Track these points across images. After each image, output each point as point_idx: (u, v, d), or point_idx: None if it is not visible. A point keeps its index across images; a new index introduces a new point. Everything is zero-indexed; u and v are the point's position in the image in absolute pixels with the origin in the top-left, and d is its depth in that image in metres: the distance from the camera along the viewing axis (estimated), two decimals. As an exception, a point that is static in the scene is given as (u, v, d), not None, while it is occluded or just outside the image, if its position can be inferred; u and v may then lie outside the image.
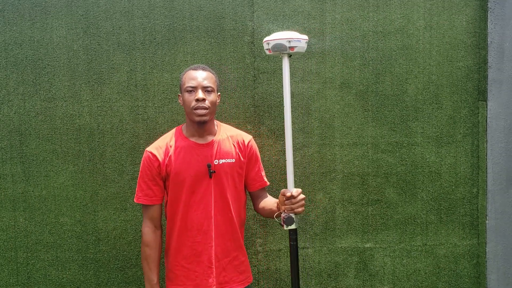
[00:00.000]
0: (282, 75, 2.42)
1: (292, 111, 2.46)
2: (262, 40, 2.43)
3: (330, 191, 2.50)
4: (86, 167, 2.43)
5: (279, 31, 2.43)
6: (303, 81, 2.46)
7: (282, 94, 1.94)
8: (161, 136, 2.35)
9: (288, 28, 2.43)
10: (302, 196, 1.82)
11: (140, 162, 2.41)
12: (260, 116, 2.46)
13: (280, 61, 2.44)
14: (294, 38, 1.81)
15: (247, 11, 2.43)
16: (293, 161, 2.46)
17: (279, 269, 2.51)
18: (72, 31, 2.39)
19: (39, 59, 2.40)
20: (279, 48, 1.82)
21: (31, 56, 2.39)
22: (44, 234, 2.44)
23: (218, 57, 2.43)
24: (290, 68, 2.44)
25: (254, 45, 2.44)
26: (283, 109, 2.44)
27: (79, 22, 2.39)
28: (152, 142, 2.40)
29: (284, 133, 2.47)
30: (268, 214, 2.02)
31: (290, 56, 1.87)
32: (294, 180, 2.45)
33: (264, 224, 2.48)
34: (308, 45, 2.35)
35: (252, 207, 2.18)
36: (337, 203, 2.51)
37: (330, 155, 2.49)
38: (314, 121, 2.47)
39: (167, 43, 2.41)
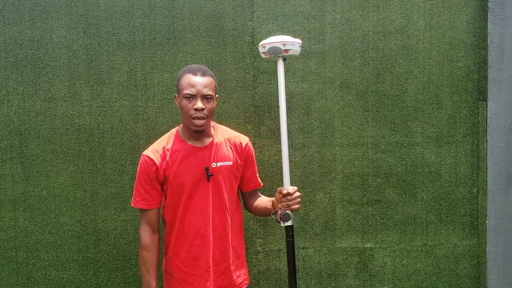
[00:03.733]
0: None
1: (292, 111, 2.47)
2: (262, 40, 2.43)
3: (330, 191, 2.50)
4: (86, 167, 2.43)
5: (279, 31, 2.44)
6: (303, 81, 2.46)
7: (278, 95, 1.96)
8: (160, 136, 2.36)
9: (288, 29, 2.43)
10: (298, 193, 1.85)
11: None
12: (260, 116, 2.46)
13: (280, 61, 2.45)
14: (289, 42, 1.87)
15: (247, 11, 2.43)
16: (294, 161, 2.48)
17: (279, 269, 2.51)
18: (72, 31, 2.39)
19: (39, 59, 2.40)
20: (275, 51, 1.88)
21: (31, 56, 2.39)
22: (44, 234, 2.44)
23: (218, 57, 2.43)
24: (291, 68, 2.46)
25: (254, 45, 2.44)
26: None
27: (79, 22, 2.39)
28: (152, 143, 2.41)
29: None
30: (261, 212, 2.03)
31: (284, 59, 1.92)
32: (295, 180, 2.47)
33: (264, 224, 2.48)
34: (308, 46, 2.41)
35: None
36: (337, 203, 2.51)
37: (330, 155, 2.49)
38: (314, 121, 2.47)
39: (167, 43, 2.41)
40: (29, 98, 2.40)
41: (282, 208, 1.85)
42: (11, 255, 2.45)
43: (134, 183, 2.42)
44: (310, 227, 2.50)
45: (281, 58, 1.91)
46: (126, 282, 2.46)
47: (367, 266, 2.54)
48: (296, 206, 1.84)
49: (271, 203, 1.96)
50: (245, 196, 2.12)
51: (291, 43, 1.88)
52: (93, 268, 2.46)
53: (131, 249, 2.45)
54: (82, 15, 2.39)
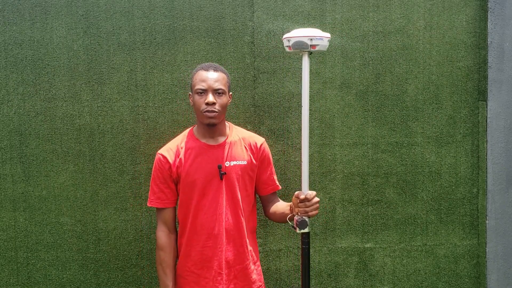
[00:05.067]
0: (283, 74, 2.46)
1: (292, 111, 2.47)
2: (262, 40, 2.44)
3: (330, 191, 2.50)
4: (86, 167, 2.43)
5: (279, 31, 2.44)
6: (303, 81, 2.45)
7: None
8: (162, 136, 2.37)
9: (287, 28, 2.43)
10: (316, 199, 1.77)
11: (140, 162, 2.43)
12: (260, 116, 2.46)
13: (280, 61, 2.45)
14: (316, 36, 1.72)
15: (247, 11, 2.43)
16: (294, 161, 2.48)
17: (279, 269, 2.51)
18: (72, 31, 2.39)
19: (39, 59, 2.40)
20: (300, 46, 1.72)
21: (31, 56, 2.39)
22: (44, 234, 2.44)
23: (218, 57, 2.43)
24: (291, 68, 2.46)
25: (254, 45, 2.44)
26: (283, 109, 2.47)
27: (79, 22, 2.39)
28: (152, 143, 2.41)
29: (284, 133, 2.49)
30: (280, 219, 1.96)
31: (310, 53, 1.77)
32: (295, 180, 2.47)
33: (264, 224, 2.48)
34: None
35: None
36: (337, 203, 2.51)
37: (330, 155, 2.49)
38: (314, 121, 2.48)
39: (167, 43, 2.41)
40: (29, 98, 2.40)
41: (299, 214, 1.76)
42: (11, 255, 2.45)
43: (134, 183, 2.43)
44: (310, 227, 2.50)
45: (306, 53, 1.76)
46: (126, 282, 2.46)
47: (367, 266, 2.54)
48: (313, 212, 1.76)
49: (289, 208, 1.88)
50: (264, 201, 2.06)
51: (319, 37, 1.72)
52: (93, 268, 2.46)
53: (131, 249, 2.45)
54: (82, 15, 2.39)
